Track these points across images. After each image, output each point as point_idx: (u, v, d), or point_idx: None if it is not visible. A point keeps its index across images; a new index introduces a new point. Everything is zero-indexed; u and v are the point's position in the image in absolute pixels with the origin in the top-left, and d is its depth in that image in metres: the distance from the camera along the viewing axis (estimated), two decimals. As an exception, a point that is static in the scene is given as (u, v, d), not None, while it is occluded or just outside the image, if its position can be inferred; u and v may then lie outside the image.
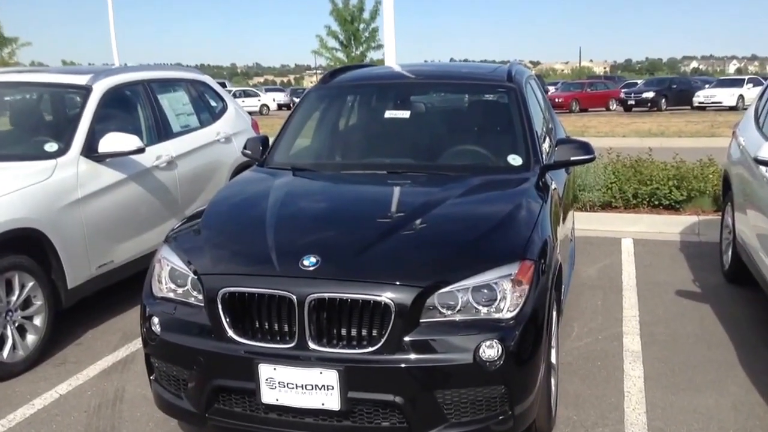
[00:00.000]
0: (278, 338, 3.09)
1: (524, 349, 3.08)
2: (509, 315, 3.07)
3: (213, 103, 7.17)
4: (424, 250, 3.30)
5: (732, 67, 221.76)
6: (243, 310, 3.13)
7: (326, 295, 3.02)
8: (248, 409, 3.20)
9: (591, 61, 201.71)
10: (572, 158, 4.41)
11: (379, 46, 31.44)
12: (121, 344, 4.99)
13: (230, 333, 3.13)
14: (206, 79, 7.36)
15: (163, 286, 3.45)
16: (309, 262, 3.15)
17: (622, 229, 8.03)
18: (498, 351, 3.00)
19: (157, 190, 5.78)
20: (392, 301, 2.98)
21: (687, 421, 3.79)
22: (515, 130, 4.58)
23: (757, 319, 5.20)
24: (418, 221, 3.50)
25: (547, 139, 4.96)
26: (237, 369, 3.14)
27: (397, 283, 3.04)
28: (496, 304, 3.08)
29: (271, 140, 4.93)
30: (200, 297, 3.26)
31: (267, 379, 3.06)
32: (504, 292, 3.09)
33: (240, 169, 6.99)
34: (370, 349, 3.00)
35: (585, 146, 4.44)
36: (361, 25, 31.44)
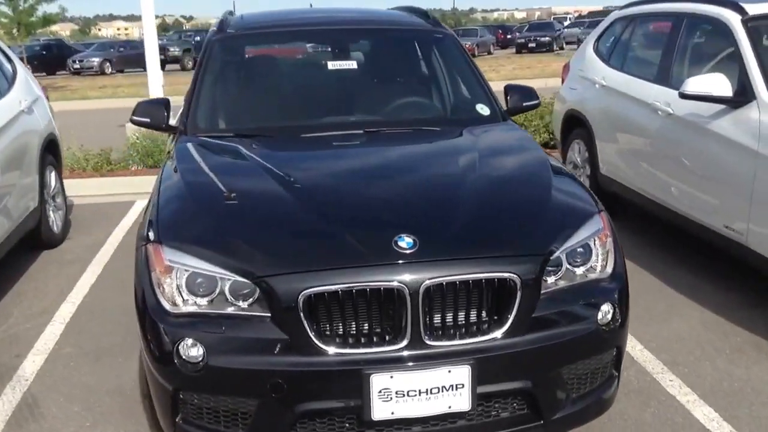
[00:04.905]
0: (383, 340, 2.55)
1: (625, 305, 2.92)
2: (606, 273, 2.88)
3: (3, 67, 5.78)
4: (514, 216, 2.95)
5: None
6: (327, 312, 2.53)
7: (443, 279, 2.54)
8: (337, 430, 2.63)
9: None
10: (524, 104, 4.27)
11: (53, -1, 27.51)
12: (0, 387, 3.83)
13: (319, 343, 2.52)
14: None
15: (178, 298, 2.64)
16: (405, 243, 2.60)
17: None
18: (611, 313, 2.81)
19: None
20: (518, 275, 2.60)
21: (686, 349, 3.95)
22: (470, 78, 4.31)
23: (643, 243, 5.57)
24: (480, 185, 3.06)
25: None
26: (337, 386, 2.54)
27: (520, 254, 2.68)
28: (590, 263, 2.86)
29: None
30: (244, 305, 2.58)
31: (381, 391, 2.51)
32: (597, 249, 2.88)
33: (48, 145, 5.77)
34: (498, 334, 2.60)
35: (531, 92, 4.33)
36: (29, -26, 27.17)
